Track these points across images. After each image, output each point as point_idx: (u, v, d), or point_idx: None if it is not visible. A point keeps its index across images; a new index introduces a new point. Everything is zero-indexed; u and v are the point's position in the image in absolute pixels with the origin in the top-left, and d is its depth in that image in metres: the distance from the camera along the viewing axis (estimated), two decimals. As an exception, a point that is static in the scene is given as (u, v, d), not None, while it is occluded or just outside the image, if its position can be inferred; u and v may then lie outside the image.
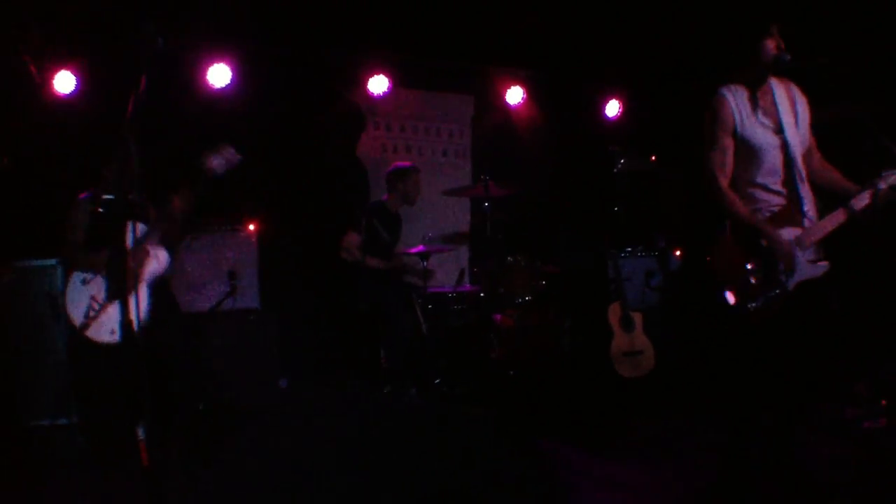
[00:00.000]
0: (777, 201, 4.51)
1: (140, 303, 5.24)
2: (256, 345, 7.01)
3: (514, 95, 9.37)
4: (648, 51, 8.86)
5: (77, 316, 5.50)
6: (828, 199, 4.66)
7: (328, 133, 8.60)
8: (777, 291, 4.36)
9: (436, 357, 7.12)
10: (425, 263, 7.32)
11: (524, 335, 7.20)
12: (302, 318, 8.01)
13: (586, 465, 5.60)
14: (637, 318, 7.61)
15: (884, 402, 6.05)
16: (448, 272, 8.67)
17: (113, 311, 5.43)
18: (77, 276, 5.59)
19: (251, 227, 7.40)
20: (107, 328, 5.44)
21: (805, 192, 4.56)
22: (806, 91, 4.82)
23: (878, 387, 6.30)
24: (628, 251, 8.55)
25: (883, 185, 4.52)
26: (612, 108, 9.92)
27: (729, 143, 4.52)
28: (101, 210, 5.36)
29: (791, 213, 4.50)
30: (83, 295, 5.54)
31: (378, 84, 8.65)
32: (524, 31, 8.56)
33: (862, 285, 7.26)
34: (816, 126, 4.76)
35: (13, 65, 6.99)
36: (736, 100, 4.53)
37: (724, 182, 4.52)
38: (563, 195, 9.72)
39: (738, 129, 4.50)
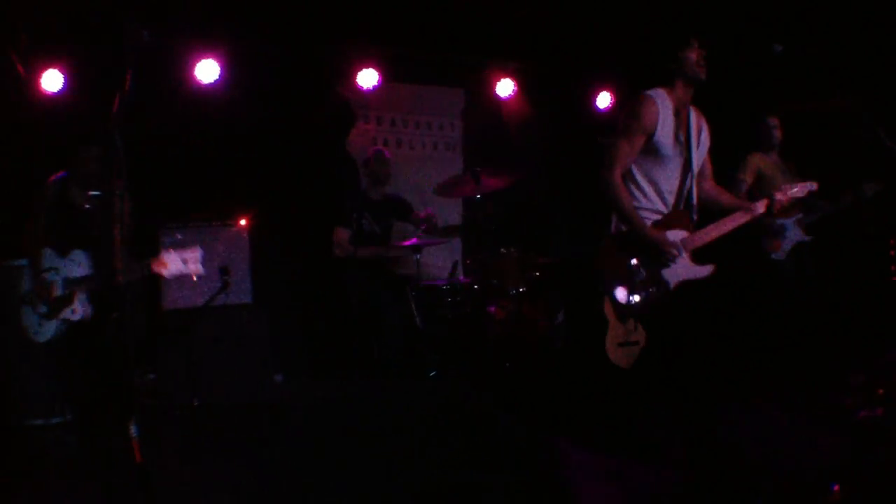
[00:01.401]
0: (661, 207, 4.69)
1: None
2: (250, 340, 7.00)
3: (505, 88, 9.37)
4: (639, 42, 8.84)
5: (54, 289, 5.47)
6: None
7: (318, 128, 8.59)
8: (654, 289, 4.52)
9: (429, 350, 7.09)
10: (418, 257, 7.30)
11: (518, 326, 7.17)
12: (295, 312, 8.02)
13: (582, 456, 5.59)
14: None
15: (880, 391, 6.05)
16: (442, 264, 8.66)
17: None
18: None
19: (242, 222, 7.38)
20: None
21: (694, 205, 4.75)
22: (799, 82, 4.87)
23: (874, 376, 6.30)
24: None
25: (779, 196, 4.85)
26: (604, 100, 9.91)
27: (640, 140, 4.60)
28: (87, 207, 5.24)
29: (681, 217, 4.69)
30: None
31: (367, 78, 8.63)
32: (514, 23, 8.55)
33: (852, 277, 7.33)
34: (810, 117, 4.80)
35: (0, 64, 6.96)
36: (663, 108, 4.60)
37: (618, 173, 4.62)
38: (555, 187, 9.72)
39: (655, 135, 4.57)
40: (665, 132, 4.59)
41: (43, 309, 5.39)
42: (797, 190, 4.92)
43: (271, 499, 4.82)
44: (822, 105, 6.78)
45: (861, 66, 7.00)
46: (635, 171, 4.70)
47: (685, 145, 4.69)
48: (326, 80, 8.74)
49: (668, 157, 4.64)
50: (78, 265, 5.46)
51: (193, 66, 7.79)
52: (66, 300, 5.36)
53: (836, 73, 6.21)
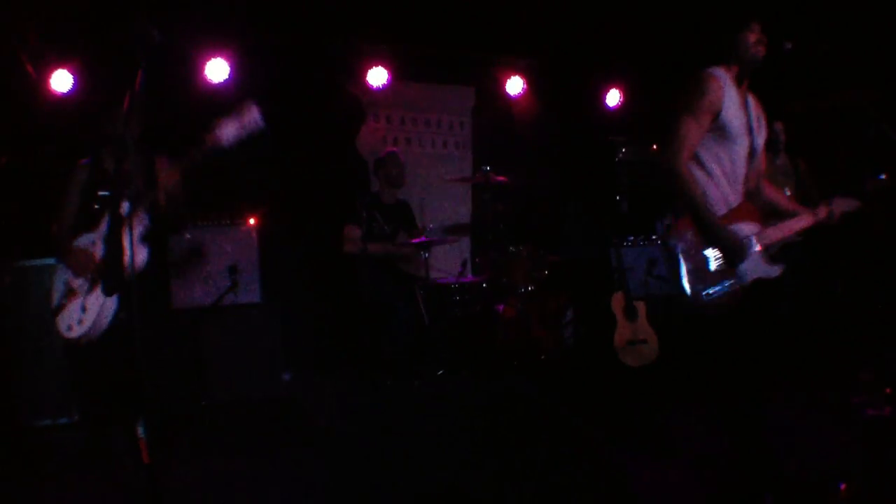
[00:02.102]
0: (731, 196, 4.35)
1: (93, 303, 4.85)
2: (259, 339, 7.00)
3: (515, 86, 9.35)
4: (649, 40, 8.82)
5: (55, 297, 5.04)
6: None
7: (328, 126, 8.58)
8: (733, 282, 4.30)
9: (438, 348, 7.09)
10: (427, 255, 7.30)
11: (527, 325, 7.17)
12: (304, 311, 8.00)
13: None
14: (640, 307, 7.59)
15: (888, 390, 6.03)
16: (450, 263, 8.65)
17: (76, 303, 4.91)
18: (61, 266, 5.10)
19: (251, 221, 7.38)
20: (66, 321, 4.92)
21: (763, 194, 4.56)
22: (806, 80, 4.78)
23: (882, 375, 6.28)
24: (630, 240, 8.53)
25: (836, 209, 4.54)
26: (613, 98, 9.89)
27: (707, 119, 4.29)
28: (96, 206, 4.91)
29: (750, 210, 4.38)
30: (61, 276, 5.07)
31: (377, 76, 8.63)
32: (524, 21, 8.53)
33: (861, 277, 7.28)
34: (819, 114, 4.72)
35: (11, 64, 6.97)
36: (726, 85, 4.33)
37: (685, 158, 4.26)
38: (564, 185, 9.71)
39: (722, 113, 4.29)
40: (731, 111, 4.32)
41: (84, 286, 4.90)
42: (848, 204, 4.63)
43: (280, 497, 4.82)
44: (829, 102, 6.76)
45: (868, 62, 6.98)
46: (702, 155, 4.34)
47: (748, 129, 4.41)
48: (336, 78, 8.73)
49: (736, 139, 4.34)
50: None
51: (203, 65, 7.80)
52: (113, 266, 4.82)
53: (843, 70, 6.20)
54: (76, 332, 4.84)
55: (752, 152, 4.40)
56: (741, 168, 4.39)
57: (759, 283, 4.25)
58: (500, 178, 7.40)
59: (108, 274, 4.79)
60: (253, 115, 4.62)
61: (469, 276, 7.97)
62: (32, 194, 6.45)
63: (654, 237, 8.70)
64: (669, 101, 8.91)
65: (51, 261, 5.71)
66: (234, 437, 6.18)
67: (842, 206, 4.58)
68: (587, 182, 9.66)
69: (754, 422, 4.29)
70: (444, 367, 7.00)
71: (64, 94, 7.32)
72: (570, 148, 9.73)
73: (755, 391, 4.32)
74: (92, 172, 5.12)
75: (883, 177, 4.70)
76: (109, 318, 4.80)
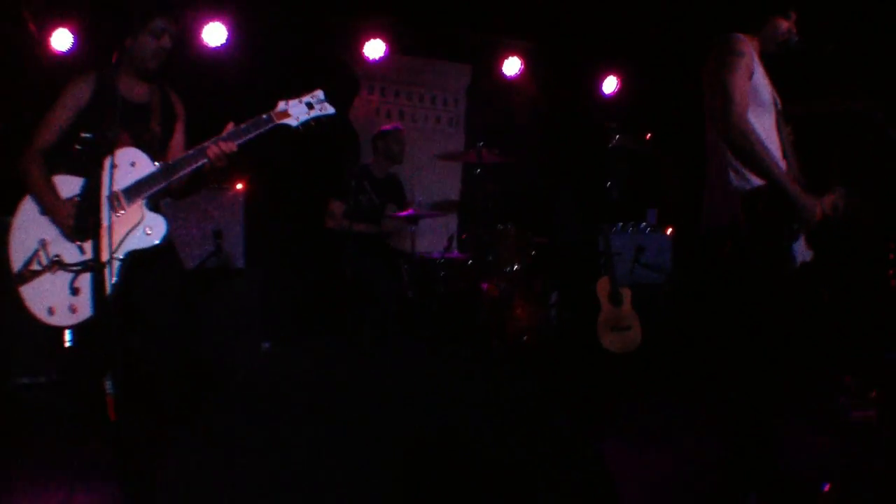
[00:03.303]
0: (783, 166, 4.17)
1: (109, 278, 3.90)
2: (240, 306, 6.95)
3: (512, 66, 9.30)
4: (649, 28, 8.79)
5: (17, 258, 4.09)
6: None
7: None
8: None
9: (421, 323, 7.05)
10: (413, 229, 7.25)
11: (510, 305, 7.13)
12: (287, 279, 7.95)
13: None
14: (626, 293, 7.56)
15: (873, 392, 6.02)
16: (437, 239, 8.60)
17: (59, 280, 4.00)
18: (33, 201, 4.15)
19: (238, 186, 7.32)
20: (45, 300, 4.02)
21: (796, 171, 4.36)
22: (810, 83, 4.70)
23: (867, 378, 6.27)
24: (619, 226, 8.50)
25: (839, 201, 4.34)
26: (610, 85, 9.86)
27: (747, 80, 4.10)
28: (78, 147, 4.18)
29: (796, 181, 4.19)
30: (34, 230, 4.10)
31: (374, 48, 8.56)
32: (525, 2, 8.48)
33: (850, 279, 7.24)
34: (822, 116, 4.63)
35: (12, 24, 6.89)
36: (752, 49, 4.20)
37: (745, 114, 4.01)
38: (556, 168, 9.68)
39: (755, 75, 4.14)
40: (760, 76, 4.18)
41: (72, 253, 4.06)
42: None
43: (253, 470, 4.77)
44: (832, 106, 6.72)
45: (872, 65, 6.93)
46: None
47: (773, 99, 4.26)
48: (332, 47, 8.66)
49: (766, 106, 4.19)
50: (130, 167, 4.12)
51: (201, 28, 7.73)
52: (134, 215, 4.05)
53: (849, 72, 6.14)
54: (64, 319, 4.00)
55: (777, 125, 4.28)
56: (776, 140, 4.25)
57: (803, 266, 4.16)
58: (493, 157, 7.33)
59: (81, 215, 3.97)
60: (323, 102, 4.36)
61: (455, 253, 7.92)
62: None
63: (643, 225, 8.67)
64: (667, 93, 8.96)
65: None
66: (207, 404, 6.13)
67: (842, 197, 4.49)
68: (579, 166, 9.63)
69: (765, 418, 4.16)
70: (425, 344, 6.94)
71: (64, 53, 7.24)
72: (564, 132, 9.70)
73: (777, 384, 4.20)
74: (96, 93, 4.24)
75: (840, 189, 4.63)
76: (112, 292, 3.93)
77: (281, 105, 4.26)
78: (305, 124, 4.26)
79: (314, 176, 8.13)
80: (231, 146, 4.13)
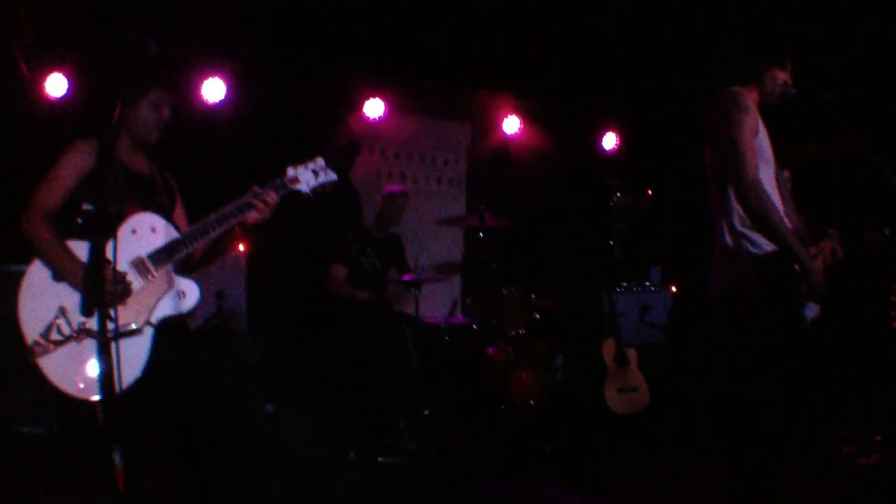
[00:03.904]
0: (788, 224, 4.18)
1: (139, 351, 3.79)
2: (243, 367, 6.88)
3: (511, 125, 9.32)
4: (647, 85, 8.82)
5: (32, 328, 3.81)
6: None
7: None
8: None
9: (425, 389, 6.96)
10: (417, 293, 7.19)
11: (516, 369, 7.05)
12: (289, 342, 7.88)
13: (555, 493, 5.61)
14: (631, 354, 7.49)
15: (878, 437, 5.95)
16: (441, 301, 8.54)
17: (89, 348, 3.75)
18: (46, 266, 3.91)
19: (240, 247, 7.28)
20: (73, 372, 3.76)
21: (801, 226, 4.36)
22: (807, 128, 4.70)
23: (871, 423, 6.23)
24: (623, 286, 8.46)
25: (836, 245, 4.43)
26: (610, 141, 9.87)
27: (753, 136, 4.11)
28: (79, 221, 4.04)
29: (802, 240, 4.19)
30: (50, 297, 3.85)
31: (374, 108, 8.58)
32: (523, 60, 8.51)
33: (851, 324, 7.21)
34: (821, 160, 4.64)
35: (4, 64, 6.87)
36: (753, 103, 4.24)
37: (756, 171, 4.02)
38: (558, 227, 9.65)
39: (758, 130, 4.16)
40: (762, 132, 4.20)
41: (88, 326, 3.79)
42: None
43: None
44: (829, 149, 6.72)
45: (870, 109, 6.94)
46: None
47: (773, 152, 4.28)
48: (333, 108, 8.66)
49: (768, 161, 4.20)
50: (151, 232, 4.00)
51: (200, 83, 7.74)
52: (165, 281, 3.94)
53: (845, 116, 6.14)
54: (88, 392, 3.75)
55: (777, 178, 4.30)
56: (777, 195, 4.25)
57: (812, 322, 4.18)
58: (495, 221, 7.30)
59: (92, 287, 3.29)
60: (325, 168, 4.32)
61: (459, 317, 7.86)
62: (19, 198, 6.28)
63: (646, 283, 8.63)
64: (666, 149, 8.97)
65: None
66: (212, 464, 6.04)
67: (838, 241, 4.47)
68: (581, 225, 9.61)
69: (775, 474, 4.13)
70: (431, 408, 6.86)
71: (58, 99, 7.23)
72: (565, 190, 9.70)
73: (788, 438, 4.21)
74: (98, 160, 4.05)
75: (887, 232, 4.61)
76: (142, 366, 3.79)
77: (290, 171, 4.24)
78: (315, 190, 4.26)
79: (316, 237, 8.08)
80: (275, 197, 4.17)
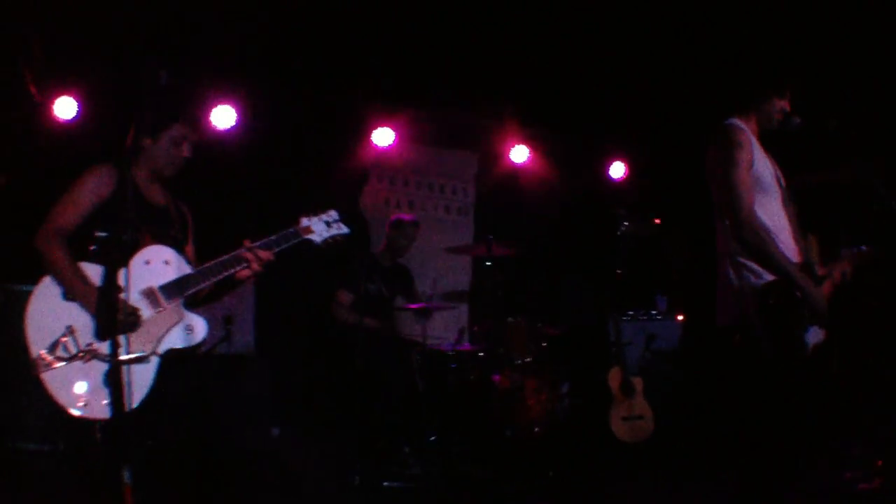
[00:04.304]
0: (794, 257, 4.25)
1: (144, 376, 3.86)
2: (249, 391, 6.90)
3: (519, 154, 9.35)
4: (655, 114, 8.86)
5: (36, 341, 3.88)
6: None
7: (331, 182, 8.54)
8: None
9: (431, 415, 6.98)
10: (424, 322, 7.22)
11: (522, 396, 7.07)
12: (297, 367, 7.90)
13: None
14: (637, 382, 7.51)
15: (879, 462, 5.94)
16: (448, 328, 8.57)
17: (95, 370, 3.82)
18: (56, 284, 3.96)
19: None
20: (76, 391, 3.81)
21: (811, 255, 4.38)
22: (809, 153, 4.74)
23: (873, 447, 6.21)
24: (630, 315, 8.47)
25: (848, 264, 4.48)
26: (617, 170, 9.90)
27: (749, 171, 4.19)
28: (93, 248, 4.07)
29: (807, 269, 4.26)
30: (59, 315, 3.90)
31: (383, 137, 8.64)
32: (532, 90, 8.56)
33: (855, 348, 7.19)
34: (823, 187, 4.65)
35: (14, 83, 6.93)
36: (749, 134, 4.32)
37: (752, 209, 4.12)
38: (565, 256, 9.68)
39: (755, 164, 4.23)
40: (760, 161, 4.27)
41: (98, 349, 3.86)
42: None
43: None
44: (833, 175, 6.73)
45: (872, 134, 6.97)
46: (758, 213, 4.20)
47: (777, 180, 4.35)
48: (342, 136, 8.71)
49: (769, 191, 4.26)
50: (164, 264, 4.09)
51: (210, 110, 7.78)
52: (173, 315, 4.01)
53: (849, 142, 6.16)
54: (98, 412, 3.81)
55: (785, 205, 4.35)
56: (784, 222, 4.31)
57: (814, 349, 4.20)
58: (502, 250, 7.34)
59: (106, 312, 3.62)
60: (338, 221, 4.50)
61: (466, 345, 7.89)
62: (29, 217, 6.33)
63: (653, 312, 8.64)
64: (674, 177, 8.99)
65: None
66: (217, 488, 6.06)
67: (852, 259, 4.51)
68: (588, 254, 9.63)
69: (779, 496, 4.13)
70: (437, 434, 6.88)
71: (67, 121, 7.28)
72: (573, 218, 9.73)
73: (791, 462, 4.18)
74: (115, 188, 4.09)
75: (864, 248, 4.63)
76: (145, 393, 3.86)
77: (304, 221, 4.38)
78: (326, 242, 4.40)
79: (324, 264, 8.12)
80: (269, 255, 4.23)
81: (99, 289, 3.83)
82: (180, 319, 4.01)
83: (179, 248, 4.26)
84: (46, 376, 3.82)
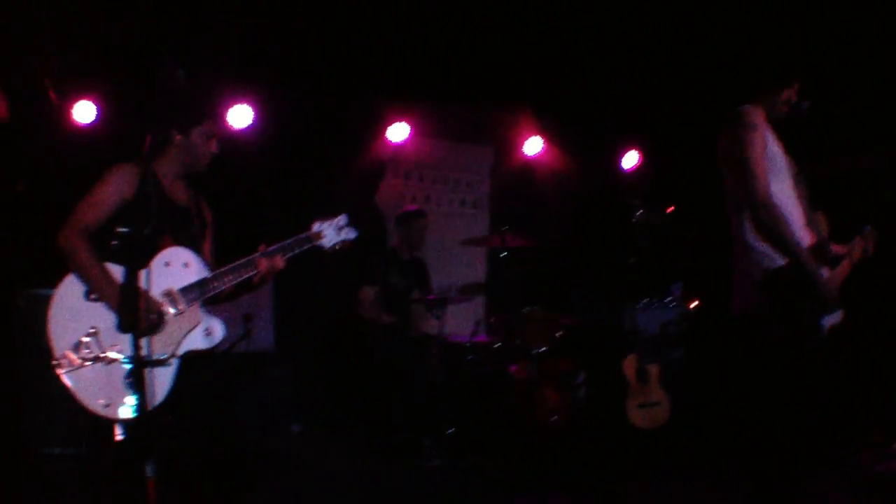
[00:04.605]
0: (805, 237, 4.31)
1: (164, 379, 3.94)
2: (270, 388, 6.97)
3: (533, 146, 9.39)
4: (667, 103, 8.87)
5: (59, 341, 3.93)
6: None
7: (347, 179, 8.60)
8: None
9: (449, 407, 7.05)
10: (440, 313, 7.28)
11: (539, 387, 7.14)
12: (317, 363, 7.97)
13: None
14: (653, 370, 7.56)
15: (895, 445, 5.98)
16: (465, 320, 8.62)
17: (117, 371, 3.87)
18: (79, 282, 4.01)
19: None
20: (98, 391, 3.87)
21: (823, 233, 4.45)
22: (820, 142, 4.76)
23: (890, 431, 6.24)
24: (644, 303, 8.51)
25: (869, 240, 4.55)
26: (630, 160, 9.94)
27: (764, 153, 4.24)
28: (114, 243, 4.09)
29: (820, 251, 4.32)
30: (82, 315, 3.95)
31: (398, 132, 8.69)
32: (544, 82, 8.59)
33: (869, 333, 7.21)
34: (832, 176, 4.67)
35: (34, 89, 7.00)
36: (761, 118, 4.36)
37: (768, 190, 4.17)
38: (580, 246, 9.72)
39: (769, 145, 4.29)
40: (772, 143, 4.32)
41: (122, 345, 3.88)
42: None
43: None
44: (846, 164, 6.74)
45: (883, 123, 6.98)
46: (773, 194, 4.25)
47: (788, 164, 4.40)
48: (358, 132, 8.77)
49: (783, 175, 4.31)
50: (184, 267, 4.16)
51: (227, 110, 7.82)
52: (192, 317, 4.08)
53: (859, 131, 6.19)
54: (120, 413, 3.88)
55: (796, 190, 4.39)
56: (797, 205, 4.36)
57: (832, 330, 4.27)
58: (517, 241, 7.40)
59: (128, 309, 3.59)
60: (346, 226, 4.55)
61: (482, 336, 7.95)
62: (49, 222, 6.41)
63: (667, 300, 8.68)
64: (686, 166, 9.01)
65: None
66: (239, 485, 6.14)
67: (873, 236, 4.55)
68: (602, 243, 9.67)
69: (794, 485, 4.19)
70: (455, 426, 6.95)
71: (86, 125, 7.32)
72: (587, 209, 9.77)
73: (807, 449, 4.27)
74: (140, 187, 4.10)
75: (868, 228, 4.66)
76: (165, 395, 3.94)
77: (316, 226, 4.43)
78: (334, 247, 4.49)
79: (342, 260, 8.18)
80: (280, 262, 4.28)
81: (121, 287, 3.80)
82: (199, 322, 4.09)
83: (198, 247, 4.33)
84: (69, 376, 3.88)
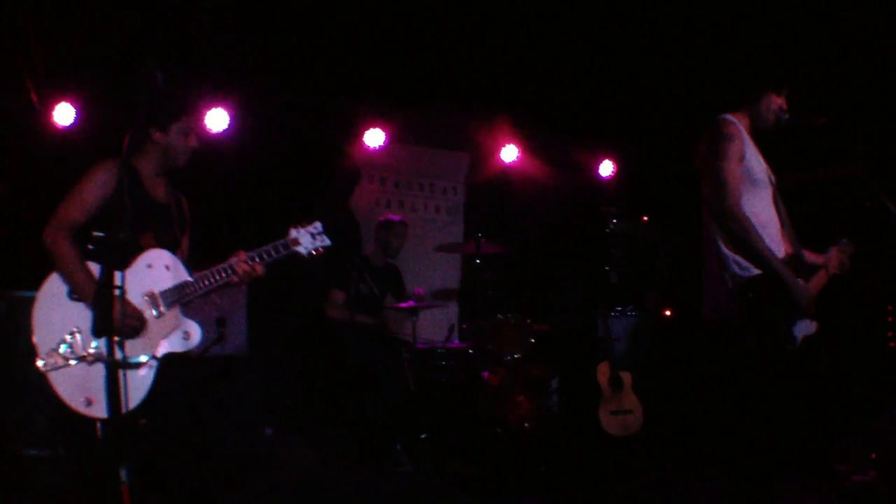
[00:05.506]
0: (780, 249, 4.32)
1: (143, 380, 3.95)
2: (243, 391, 6.95)
3: (509, 153, 9.39)
4: (643, 113, 8.91)
5: (43, 340, 3.98)
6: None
7: (322, 183, 8.60)
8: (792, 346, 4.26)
9: (422, 412, 7.05)
10: (414, 319, 7.29)
11: (512, 393, 7.14)
12: (290, 367, 7.94)
13: None
14: (626, 377, 7.59)
15: (873, 454, 6.01)
16: (438, 326, 8.63)
17: (98, 371, 3.88)
18: (63, 282, 4.06)
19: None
20: (81, 390, 3.92)
21: (799, 247, 4.46)
22: (803, 151, 4.78)
23: (867, 440, 6.26)
24: (618, 310, 8.55)
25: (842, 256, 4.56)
26: (606, 169, 9.96)
27: (738, 165, 4.25)
28: (91, 247, 4.07)
29: (794, 262, 4.33)
30: (65, 315, 4.00)
31: (374, 137, 8.67)
32: (521, 90, 8.61)
33: (849, 343, 7.26)
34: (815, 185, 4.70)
35: (15, 91, 6.99)
36: (741, 129, 4.38)
37: (738, 201, 4.17)
38: (554, 254, 9.74)
39: (745, 157, 4.29)
40: (751, 156, 4.32)
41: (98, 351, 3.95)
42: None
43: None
44: (827, 173, 6.78)
45: (866, 133, 7.03)
46: (744, 205, 4.25)
47: (767, 176, 4.41)
48: (334, 137, 8.77)
49: (759, 185, 4.32)
50: (165, 269, 4.19)
51: (203, 114, 7.80)
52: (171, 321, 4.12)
53: (841, 140, 6.23)
54: (92, 410, 3.93)
55: (775, 200, 4.41)
56: (774, 216, 4.38)
57: (805, 341, 4.27)
58: (492, 248, 7.42)
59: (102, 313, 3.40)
60: (321, 233, 4.47)
61: (455, 342, 7.96)
62: (29, 224, 6.36)
63: (641, 308, 8.72)
64: (661, 175, 9.04)
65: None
66: (212, 488, 6.11)
67: (851, 249, 4.58)
68: (577, 251, 9.69)
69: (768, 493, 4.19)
70: (428, 432, 6.95)
71: (66, 127, 7.30)
72: (562, 217, 9.78)
73: (780, 456, 4.25)
74: (122, 180, 3.86)
75: (844, 241, 4.70)
76: (143, 396, 3.95)
77: (293, 233, 4.37)
78: (310, 253, 4.42)
79: (316, 265, 8.16)
80: (260, 269, 4.28)
81: (96, 289, 3.60)
82: (178, 325, 4.12)
83: (178, 246, 4.38)
84: (52, 375, 3.93)
